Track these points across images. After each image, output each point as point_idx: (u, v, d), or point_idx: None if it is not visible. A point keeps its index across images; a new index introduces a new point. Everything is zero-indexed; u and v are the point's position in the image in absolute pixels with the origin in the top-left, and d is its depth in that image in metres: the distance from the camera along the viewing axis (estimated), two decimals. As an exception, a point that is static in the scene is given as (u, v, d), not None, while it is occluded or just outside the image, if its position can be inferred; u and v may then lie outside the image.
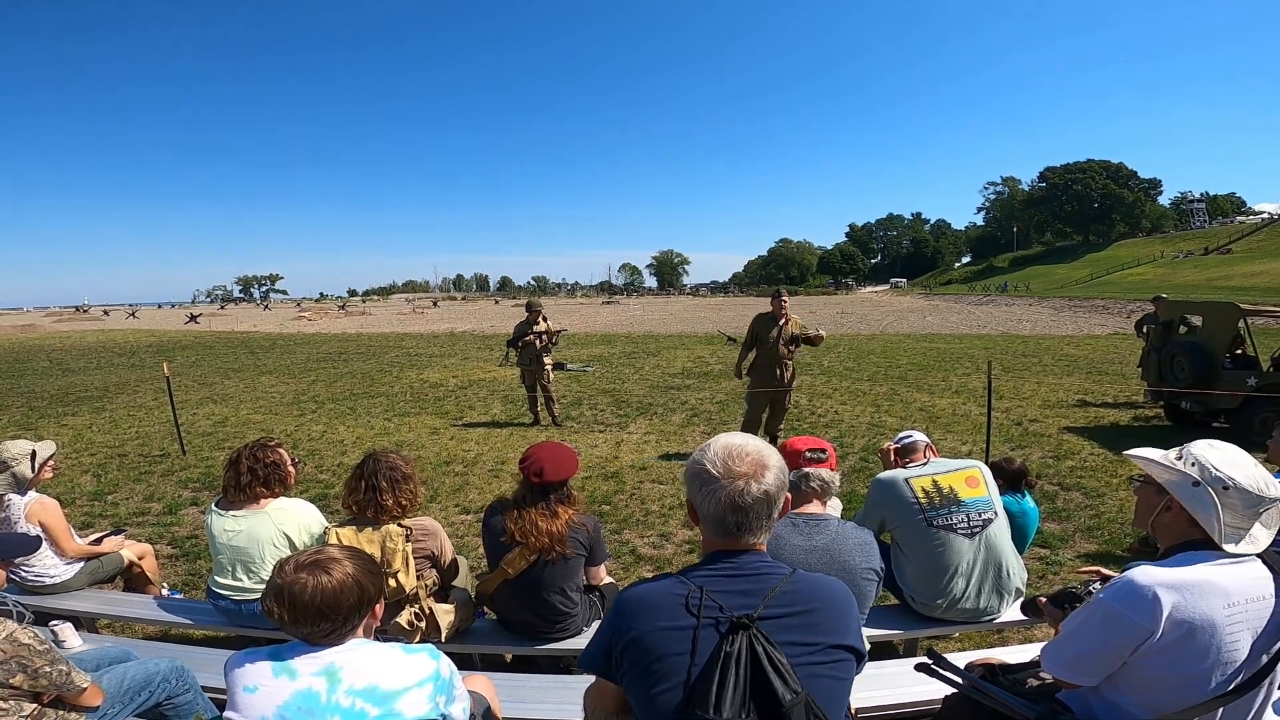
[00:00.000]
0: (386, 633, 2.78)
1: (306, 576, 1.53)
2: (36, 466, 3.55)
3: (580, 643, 2.87)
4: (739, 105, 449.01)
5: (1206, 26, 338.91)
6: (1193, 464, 1.62)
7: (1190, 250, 75.79)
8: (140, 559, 3.96)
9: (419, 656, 1.62)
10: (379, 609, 1.67)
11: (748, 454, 1.44)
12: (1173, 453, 1.68)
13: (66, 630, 2.86)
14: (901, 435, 3.29)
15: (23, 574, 3.47)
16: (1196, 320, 8.66)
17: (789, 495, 1.51)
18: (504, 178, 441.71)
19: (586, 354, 19.02)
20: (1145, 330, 9.89)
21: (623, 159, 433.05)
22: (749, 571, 1.43)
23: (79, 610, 3.47)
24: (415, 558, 2.89)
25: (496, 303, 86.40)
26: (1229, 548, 1.56)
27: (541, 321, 9.19)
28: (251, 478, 3.12)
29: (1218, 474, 1.57)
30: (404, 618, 2.82)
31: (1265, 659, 1.54)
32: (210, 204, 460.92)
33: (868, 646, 2.43)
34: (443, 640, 2.86)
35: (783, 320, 7.10)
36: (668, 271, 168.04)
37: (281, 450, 3.26)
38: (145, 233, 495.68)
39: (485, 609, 3.15)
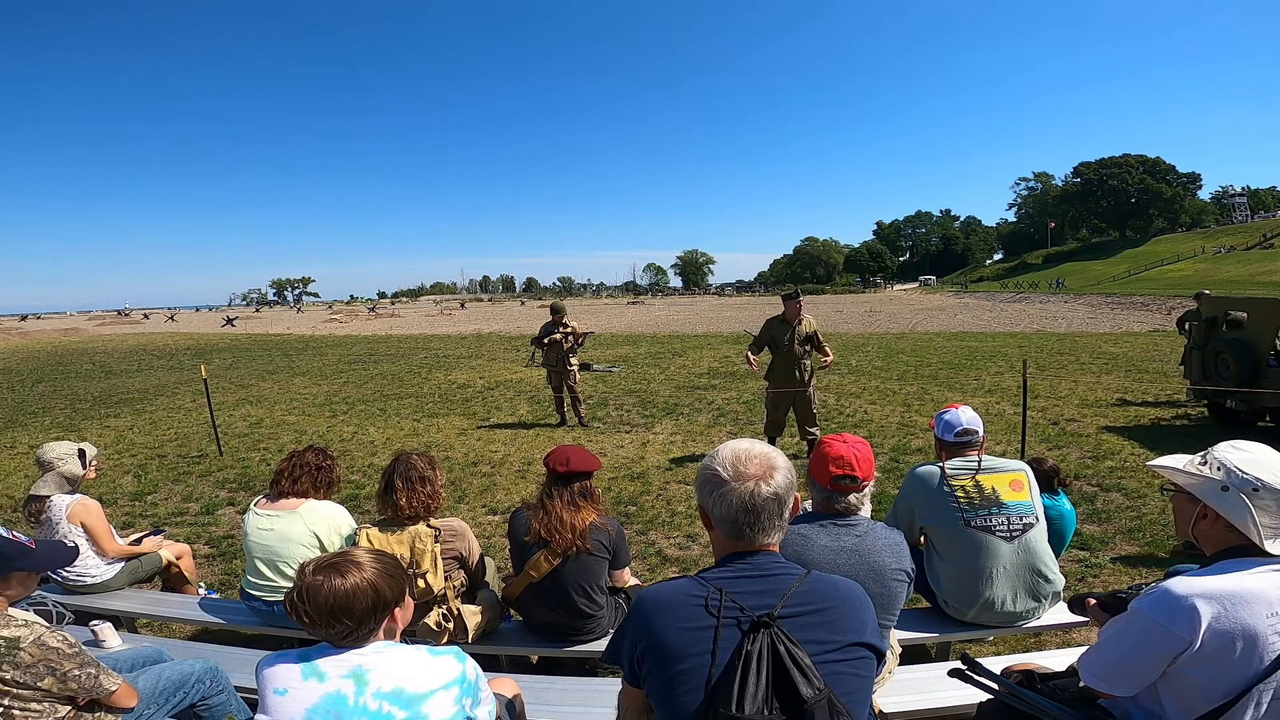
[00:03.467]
0: (415, 633, 2.80)
1: (322, 579, 1.55)
2: (88, 463, 3.65)
3: (606, 644, 2.86)
4: (766, 105, 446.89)
5: (1241, 17, 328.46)
6: (1218, 468, 1.57)
7: (1233, 245, 73.45)
8: (178, 559, 4.04)
9: (445, 659, 1.62)
10: (400, 613, 1.67)
11: (755, 456, 1.47)
12: (1197, 458, 1.63)
13: (106, 630, 2.90)
14: (956, 424, 2.97)
15: (64, 574, 3.55)
16: (1241, 316, 8.38)
17: (799, 495, 1.53)
18: (529, 180, 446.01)
19: (612, 354, 19.03)
20: (1188, 327, 9.60)
21: (648, 159, 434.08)
22: (765, 572, 1.45)
23: (119, 610, 3.54)
24: (444, 558, 2.91)
25: (523, 304, 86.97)
26: (1271, 547, 1.50)
27: (566, 326, 9.20)
28: (303, 473, 3.23)
29: (1245, 476, 1.52)
30: (432, 618, 2.83)
31: None
32: (244, 210, 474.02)
33: (890, 646, 2.40)
34: (469, 641, 2.87)
35: (797, 322, 7.04)
36: (693, 271, 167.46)
37: (335, 459, 3.42)
38: (182, 239, 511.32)
39: (512, 612, 3.16)
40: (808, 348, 7.10)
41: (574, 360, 9.29)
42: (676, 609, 1.42)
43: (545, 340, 9.20)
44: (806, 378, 7.09)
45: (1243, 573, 1.50)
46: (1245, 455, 1.56)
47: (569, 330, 9.15)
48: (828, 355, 7.14)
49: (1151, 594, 1.56)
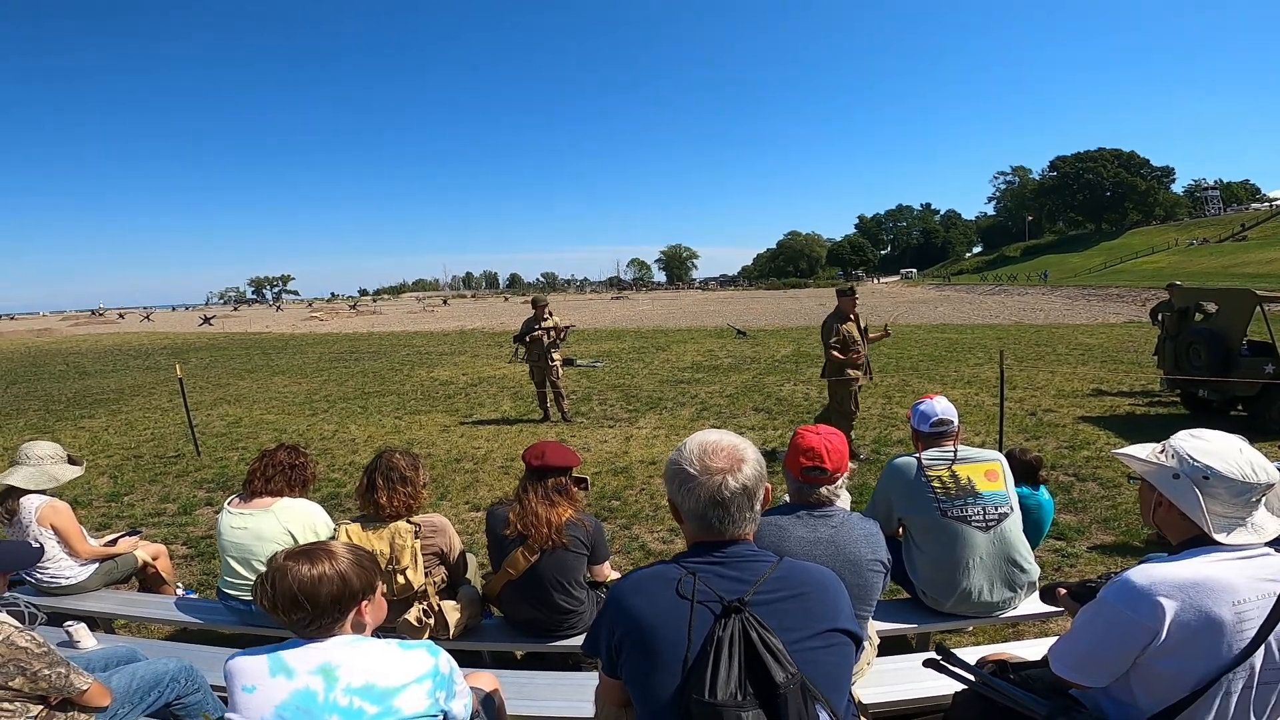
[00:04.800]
0: (394, 629, 2.79)
1: (291, 564, 1.55)
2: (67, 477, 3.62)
3: (588, 639, 2.87)
4: (748, 100, 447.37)
5: (1215, 12, 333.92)
6: (1172, 455, 1.58)
7: (1206, 238, 74.72)
8: (155, 559, 3.99)
9: (417, 652, 1.61)
10: (370, 609, 1.66)
11: (723, 449, 1.46)
12: (1158, 446, 1.65)
13: (81, 630, 2.88)
14: (931, 414, 3.02)
15: (37, 576, 3.50)
16: (1212, 307, 8.54)
17: (769, 486, 1.53)
18: (512, 175, 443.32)
19: (596, 349, 19.01)
20: (1160, 318, 9.75)
21: (631, 154, 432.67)
22: (737, 559, 1.45)
23: (94, 611, 3.49)
24: (424, 555, 2.89)
25: (506, 300, 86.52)
26: (1221, 538, 1.51)
27: (548, 317, 9.20)
28: (276, 472, 3.22)
29: (1196, 464, 1.54)
30: (412, 614, 2.82)
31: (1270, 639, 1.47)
32: (221, 206, 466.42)
33: (869, 637, 2.42)
34: (451, 638, 2.86)
35: (854, 316, 7.11)
36: (676, 266, 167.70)
37: (309, 456, 3.41)
38: (158, 236, 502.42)
39: (493, 608, 3.15)
40: (864, 342, 7.17)
41: (556, 355, 9.27)
42: (652, 591, 1.43)
43: (528, 337, 9.18)
44: (866, 369, 7.17)
45: (1204, 559, 1.51)
46: (1199, 444, 1.57)
47: (549, 326, 9.13)
48: (882, 333, 7.64)
49: (1115, 583, 1.57)
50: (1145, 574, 1.52)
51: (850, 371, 6.95)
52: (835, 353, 7.00)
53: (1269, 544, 1.55)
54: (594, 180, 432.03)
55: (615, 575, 3.16)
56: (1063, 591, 2.15)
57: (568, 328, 9.64)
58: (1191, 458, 1.55)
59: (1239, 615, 1.45)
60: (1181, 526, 1.59)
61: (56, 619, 3.12)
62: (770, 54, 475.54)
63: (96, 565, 3.68)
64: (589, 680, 2.59)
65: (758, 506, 1.48)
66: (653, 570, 1.49)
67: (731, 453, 1.46)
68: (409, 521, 2.86)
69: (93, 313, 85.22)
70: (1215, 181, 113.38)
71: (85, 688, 2.04)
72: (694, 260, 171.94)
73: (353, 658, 1.55)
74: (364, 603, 1.63)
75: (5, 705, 1.91)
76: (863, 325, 7.22)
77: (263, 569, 2.98)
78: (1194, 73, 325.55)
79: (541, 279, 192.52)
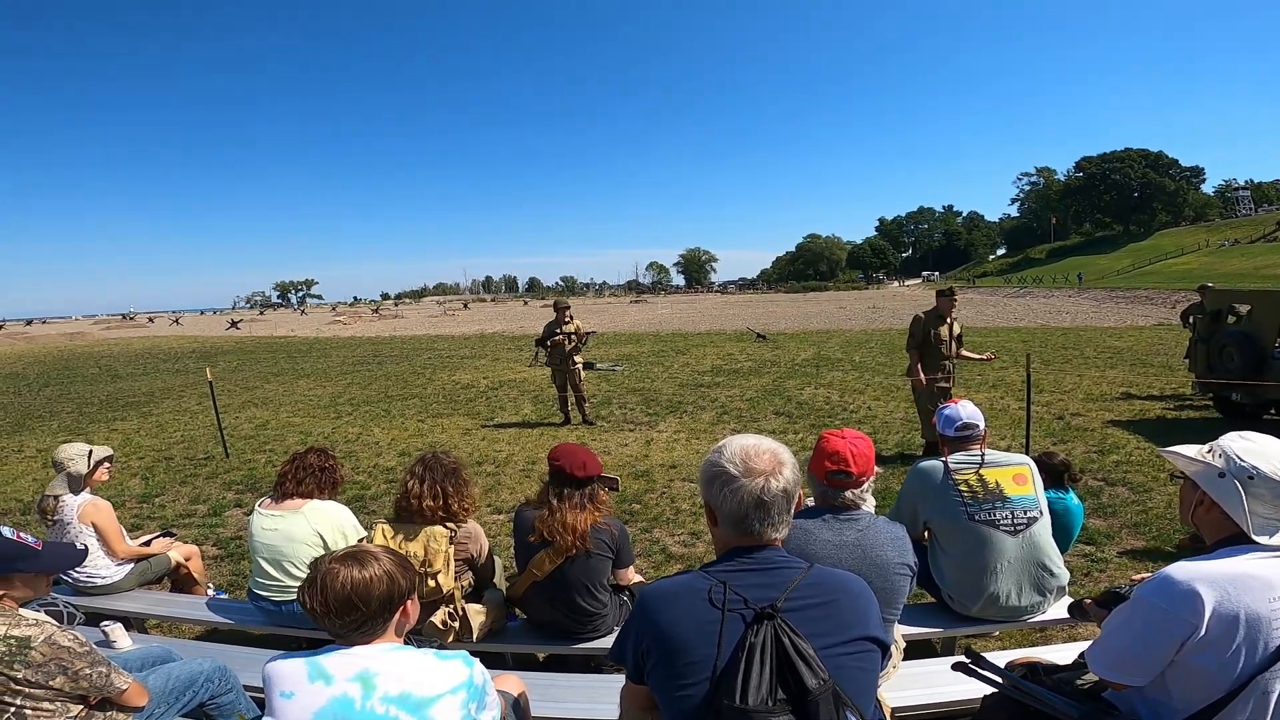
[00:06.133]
0: (420, 632, 2.82)
1: (340, 567, 1.57)
2: (91, 464, 3.67)
3: (611, 642, 2.88)
4: (768, 103, 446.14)
5: (1244, 13, 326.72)
6: (1219, 455, 1.59)
7: (1236, 239, 73.07)
8: (187, 560, 4.07)
9: (453, 663, 1.62)
10: (410, 607, 1.68)
11: (764, 451, 1.48)
12: (1205, 446, 1.65)
13: (117, 630, 2.92)
14: (956, 418, 3.01)
15: (74, 575, 3.58)
16: (1245, 309, 8.35)
17: (802, 492, 1.54)
18: (532, 179, 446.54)
19: (615, 353, 19.04)
20: (1192, 320, 9.56)
21: (650, 158, 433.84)
22: (768, 565, 1.46)
23: (128, 610, 3.56)
24: (456, 560, 2.92)
25: (525, 303, 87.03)
26: (1262, 539, 1.52)
27: (570, 321, 9.23)
28: (306, 474, 3.26)
29: (1242, 464, 1.54)
30: (438, 617, 2.85)
31: None
32: (248, 213, 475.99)
33: (894, 640, 2.40)
34: (475, 640, 2.88)
35: (950, 319, 7.02)
36: (695, 269, 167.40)
37: (337, 460, 3.46)
38: (187, 242, 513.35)
39: (517, 611, 3.17)
40: (957, 346, 7.08)
41: (578, 359, 9.31)
42: (680, 603, 1.43)
43: (549, 341, 9.22)
44: (951, 375, 7.08)
45: (1242, 557, 1.51)
46: (1247, 445, 1.57)
47: (570, 331, 9.18)
48: (981, 355, 7.36)
49: (1153, 580, 1.57)
50: (1184, 570, 1.53)
51: (923, 375, 6.92)
52: (912, 354, 7.04)
53: None
54: (613, 184, 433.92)
55: (639, 579, 3.16)
56: (1089, 602, 2.14)
57: (590, 333, 9.66)
58: (1239, 457, 1.55)
59: (1274, 612, 1.45)
60: (1220, 526, 1.59)
61: (92, 619, 3.20)
62: (788, 56, 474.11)
63: (132, 565, 3.76)
64: (612, 682, 2.60)
65: (792, 510, 1.49)
66: (682, 580, 1.49)
67: (773, 455, 1.48)
68: (445, 526, 2.89)
69: (124, 316, 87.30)
70: (1246, 182, 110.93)
71: (125, 687, 2.07)
72: (713, 263, 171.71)
73: (391, 665, 1.56)
74: (408, 602, 1.66)
75: (45, 705, 1.92)
76: (958, 331, 7.08)
77: (294, 570, 3.05)
78: (1224, 73, 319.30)
79: (560, 282, 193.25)
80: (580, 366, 9.36)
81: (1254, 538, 1.52)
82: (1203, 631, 1.46)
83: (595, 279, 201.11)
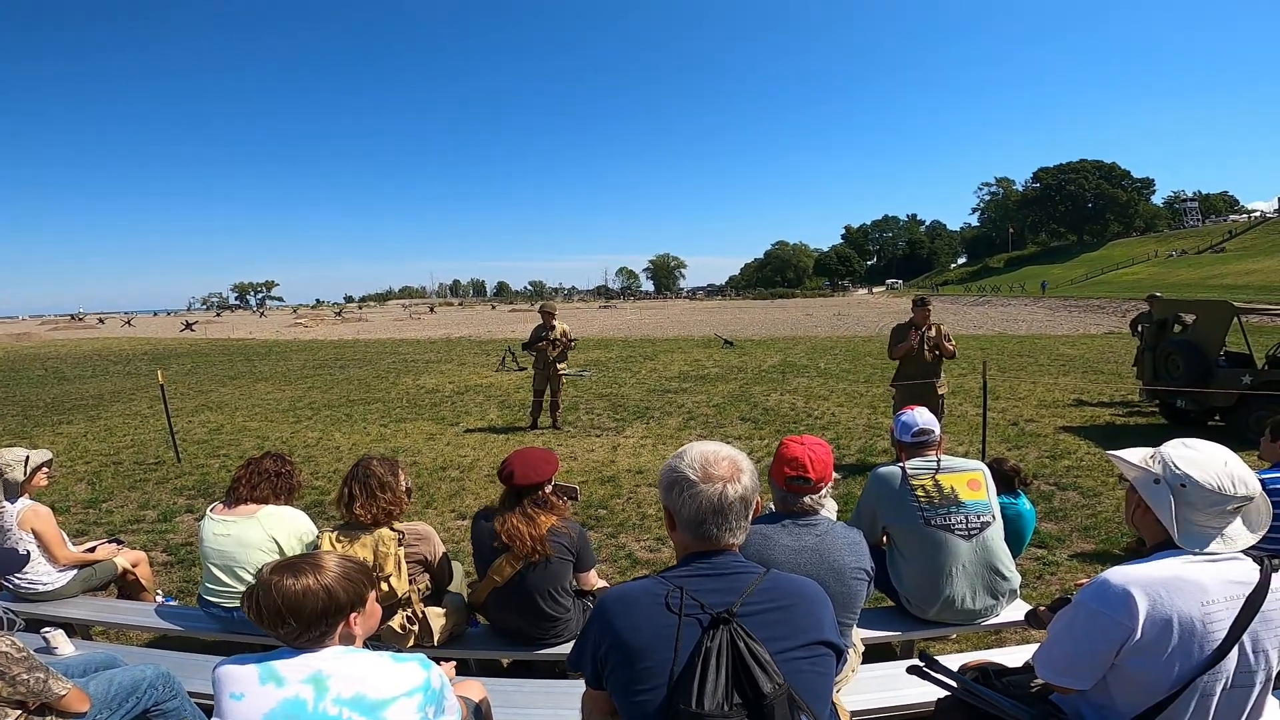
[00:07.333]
0: (379, 637, 2.77)
1: (276, 578, 1.54)
2: (28, 471, 3.55)
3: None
4: (734, 109, 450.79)
5: (1196, 25, 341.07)
6: (1158, 461, 1.63)
7: (1185, 249, 75.99)
8: (134, 566, 3.95)
9: (409, 666, 1.60)
10: (360, 619, 1.64)
11: (723, 458, 1.51)
12: (1148, 451, 1.70)
13: (58, 637, 2.86)
14: (913, 424, 3.10)
15: (15, 581, 3.47)
16: (1190, 318, 8.68)
17: (760, 499, 1.56)
18: (500, 183, 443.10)
19: (583, 358, 18.98)
20: (1140, 329, 9.91)
21: (619, 164, 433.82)
22: (725, 570, 1.47)
23: (73, 617, 3.46)
24: (408, 562, 2.88)
25: (493, 308, 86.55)
26: (1190, 547, 1.55)
27: (555, 326, 9.24)
28: (261, 480, 3.20)
29: (1177, 471, 1.58)
30: (396, 621, 2.81)
31: (1244, 641, 1.51)
32: (206, 211, 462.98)
33: (853, 644, 2.44)
34: (435, 644, 2.85)
35: (925, 327, 7.08)
36: (664, 275, 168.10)
37: (294, 465, 3.41)
38: (141, 241, 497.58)
39: (479, 616, 3.14)
40: (936, 352, 7.12)
41: (563, 365, 9.36)
42: (639, 607, 1.44)
43: (536, 345, 9.22)
44: (937, 381, 7.10)
45: (1176, 560, 1.56)
46: (1186, 453, 1.61)
47: (555, 337, 9.19)
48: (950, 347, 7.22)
49: (1091, 585, 1.61)
50: (1119, 574, 1.57)
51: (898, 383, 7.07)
52: (897, 358, 7.20)
53: (1243, 550, 1.59)
54: (583, 189, 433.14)
55: (602, 584, 3.16)
56: (1043, 609, 2.20)
57: (573, 340, 9.68)
58: (1174, 465, 1.59)
59: (1208, 615, 1.50)
60: (1157, 530, 1.64)
61: (34, 625, 3.10)
62: (759, 63, 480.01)
63: (75, 571, 3.65)
64: (574, 687, 2.58)
65: (750, 516, 1.51)
66: (640, 585, 1.50)
67: (732, 462, 1.50)
68: (392, 528, 2.85)
69: (72, 317, 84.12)
70: (1194, 193, 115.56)
71: (63, 693, 2.04)
72: (682, 269, 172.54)
73: (344, 668, 1.54)
74: (353, 615, 1.61)
75: None
76: (933, 334, 7.10)
77: (246, 576, 2.98)
78: (1173, 84, 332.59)
79: (530, 287, 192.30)
80: (563, 371, 9.42)
81: (1179, 544, 1.56)
82: (1138, 635, 1.50)
83: (564, 284, 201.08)
